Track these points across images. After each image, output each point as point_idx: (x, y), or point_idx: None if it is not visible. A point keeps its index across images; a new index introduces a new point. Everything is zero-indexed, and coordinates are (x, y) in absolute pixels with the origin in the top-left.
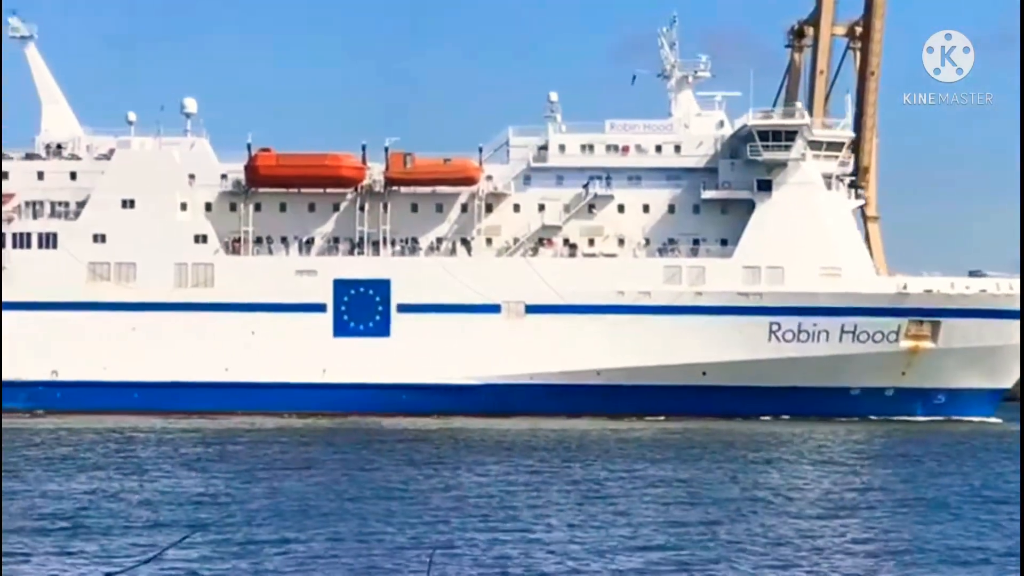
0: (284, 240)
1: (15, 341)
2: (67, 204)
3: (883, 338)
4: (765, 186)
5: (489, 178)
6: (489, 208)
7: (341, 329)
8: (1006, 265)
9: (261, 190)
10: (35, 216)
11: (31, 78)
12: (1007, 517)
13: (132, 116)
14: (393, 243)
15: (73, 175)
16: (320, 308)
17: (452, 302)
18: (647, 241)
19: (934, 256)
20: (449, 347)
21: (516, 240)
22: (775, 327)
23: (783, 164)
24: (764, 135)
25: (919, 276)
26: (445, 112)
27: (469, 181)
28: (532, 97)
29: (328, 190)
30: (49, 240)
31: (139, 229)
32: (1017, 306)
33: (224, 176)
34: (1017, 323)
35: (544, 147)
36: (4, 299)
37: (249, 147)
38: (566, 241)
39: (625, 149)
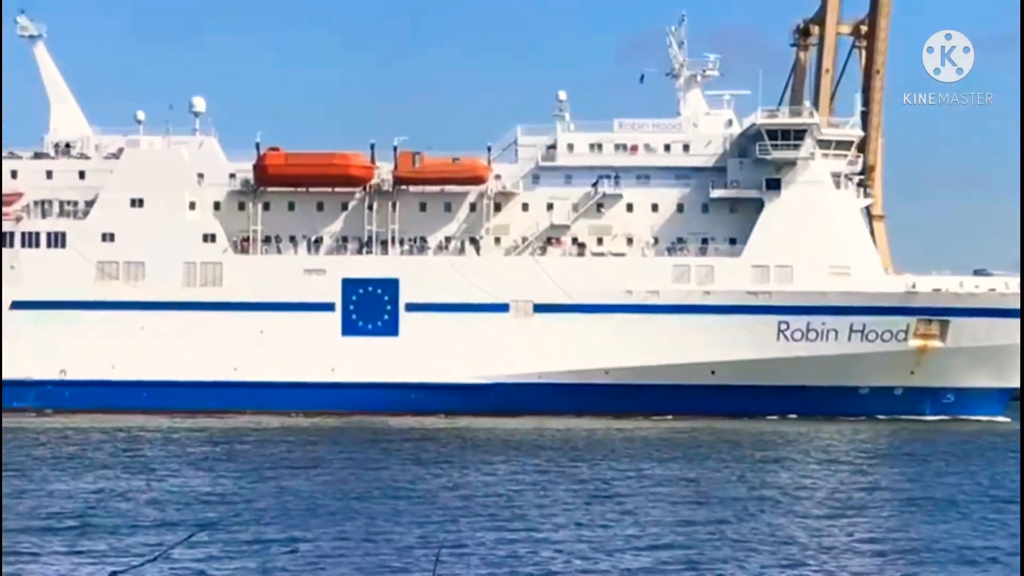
0: (293, 239)
1: (24, 340)
2: (76, 203)
3: (892, 337)
4: (774, 185)
5: (498, 177)
6: (498, 207)
7: (349, 328)
8: (1011, 264)
9: (270, 189)
10: (44, 215)
11: (40, 77)
12: (1014, 516)
13: (141, 115)
14: (402, 242)
15: (82, 174)
16: (329, 307)
17: (460, 301)
18: (656, 240)
19: (937, 255)
20: (457, 346)
21: (524, 239)
22: (784, 326)
23: (792, 163)
24: (773, 134)
25: (928, 275)
26: (454, 111)
27: (478, 180)
28: (540, 96)
29: (337, 189)
30: (58, 239)
31: (148, 228)
32: None
33: (233, 175)
34: None
35: (553, 146)
36: (13, 298)
37: (258, 146)
38: (575, 240)
39: (634, 148)
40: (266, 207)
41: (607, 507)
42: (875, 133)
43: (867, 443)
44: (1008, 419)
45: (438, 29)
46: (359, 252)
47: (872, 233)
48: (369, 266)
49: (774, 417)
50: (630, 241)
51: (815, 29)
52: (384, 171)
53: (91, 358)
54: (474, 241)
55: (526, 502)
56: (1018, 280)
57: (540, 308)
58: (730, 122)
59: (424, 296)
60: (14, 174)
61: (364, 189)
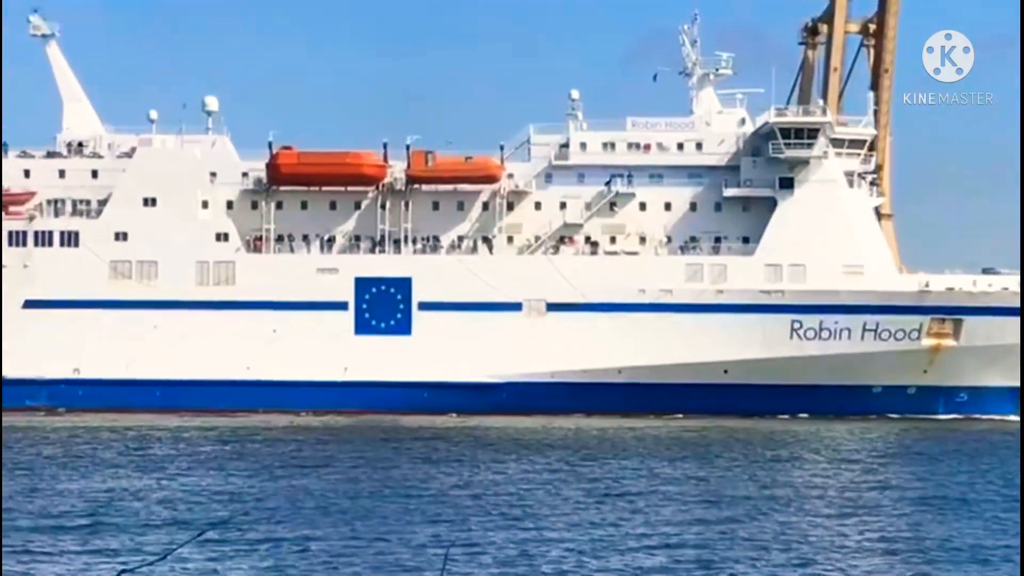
0: (305, 238)
1: (37, 339)
2: (89, 202)
3: (905, 336)
4: (787, 184)
5: (510, 176)
6: (510, 206)
7: (362, 327)
8: (1018, 263)
9: (282, 188)
10: (57, 214)
11: (53, 76)
12: None
13: (154, 114)
14: (414, 241)
15: (95, 173)
16: (341, 306)
17: (473, 300)
18: (668, 239)
19: (942, 254)
20: (470, 345)
21: (537, 238)
22: (797, 325)
23: (805, 162)
24: (786, 133)
25: (941, 274)
26: (466, 110)
27: (490, 179)
28: (553, 95)
29: (349, 188)
30: (71, 238)
31: (161, 227)
32: None
33: (245, 174)
34: None
35: (565, 145)
36: (27, 297)
37: (270, 145)
38: (587, 239)
39: (647, 147)
40: (279, 206)
41: (618, 506)
42: (884, 132)
43: (879, 442)
44: (1020, 418)
45: (450, 28)
46: (372, 251)
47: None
48: (382, 265)
49: (785, 416)
50: (643, 240)
51: (823, 28)
52: (397, 170)
53: (104, 357)
54: (487, 240)
55: (537, 501)
56: None
57: (553, 307)
58: (743, 121)
59: (437, 295)
60: (27, 173)
61: (377, 188)
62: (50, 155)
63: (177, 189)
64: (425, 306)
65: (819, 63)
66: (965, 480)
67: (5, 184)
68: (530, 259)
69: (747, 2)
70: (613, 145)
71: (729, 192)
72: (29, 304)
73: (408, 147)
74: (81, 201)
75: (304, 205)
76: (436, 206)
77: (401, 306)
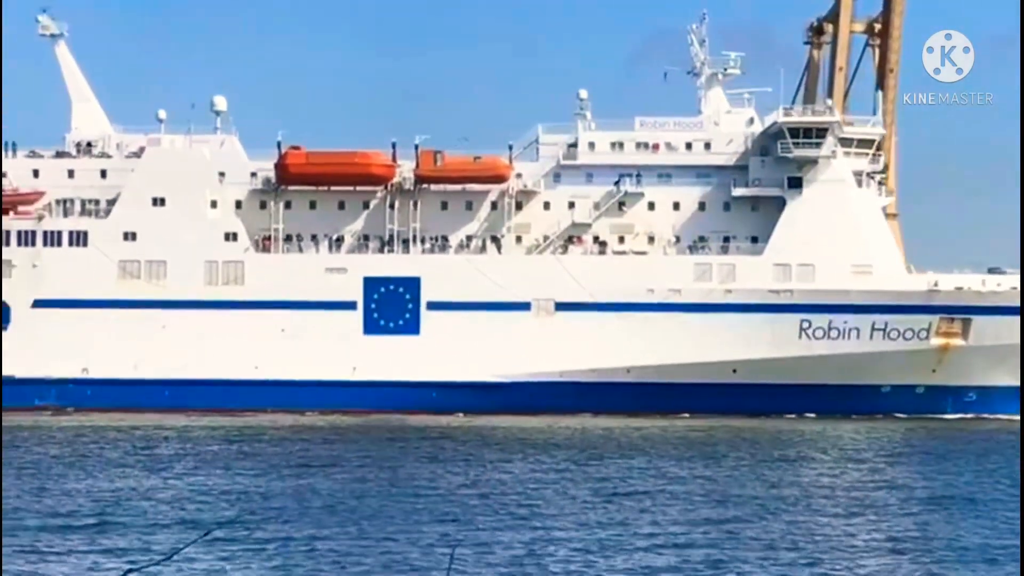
0: (314, 238)
1: (46, 338)
2: (97, 202)
3: (914, 336)
4: (796, 183)
5: (519, 176)
6: (519, 206)
7: (371, 327)
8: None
9: (291, 188)
10: (66, 214)
11: (61, 76)
12: None
13: (162, 114)
14: (423, 241)
15: (103, 173)
16: (350, 306)
17: (482, 300)
18: (677, 239)
19: (947, 254)
20: (479, 345)
21: (546, 238)
22: (806, 324)
23: (814, 161)
24: (795, 132)
25: (949, 273)
26: (471, 110)
27: (499, 179)
28: (560, 95)
29: (358, 188)
30: (80, 238)
31: (169, 227)
32: None
33: (254, 174)
34: None
35: (574, 145)
36: (36, 297)
37: (279, 145)
38: (596, 239)
39: (655, 147)
40: (287, 206)
41: (626, 505)
42: (889, 131)
43: (887, 441)
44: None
45: (456, 28)
46: (380, 251)
47: None
48: (390, 265)
49: (792, 416)
50: (652, 240)
51: (829, 27)
52: (405, 170)
53: (113, 357)
54: (495, 240)
55: (544, 500)
56: None
57: (561, 307)
58: (751, 120)
59: (445, 295)
60: (36, 173)
61: (385, 188)
62: (59, 155)
63: (186, 189)
64: (434, 306)
65: (824, 63)
66: (973, 479)
67: (15, 184)
68: (539, 259)
69: (752, 2)
70: (622, 145)
71: (738, 192)
72: (38, 304)
73: (417, 147)
74: (90, 201)
75: (313, 205)
76: (445, 206)
77: (410, 306)
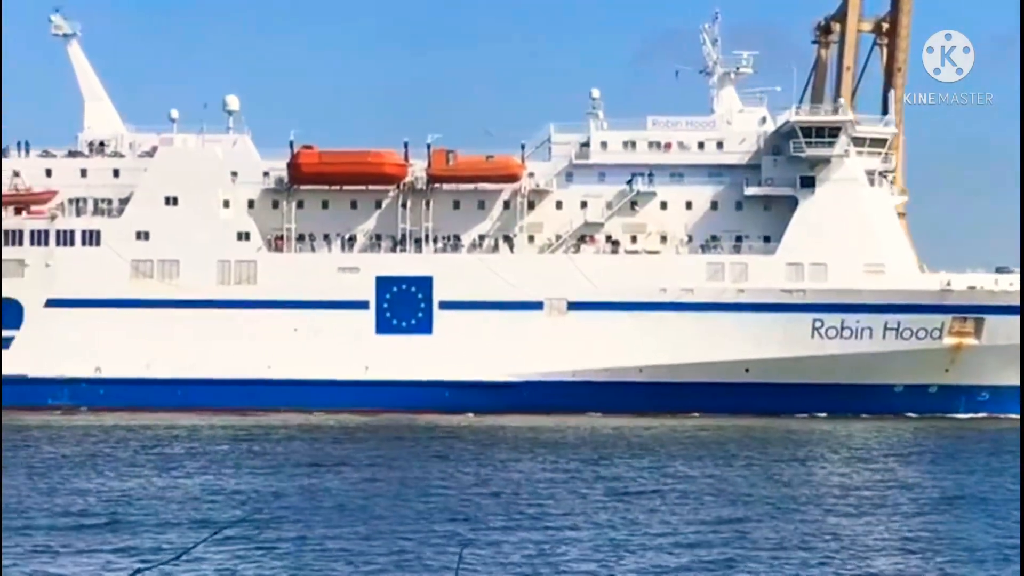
0: (326, 237)
1: (59, 338)
2: (110, 201)
3: (927, 335)
4: (808, 182)
5: (531, 175)
6: (531, 205)
7: (383, 326)
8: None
9: (303, 187)
10: (79, 213)
11: (74, 76)
12: None
13: (175, 113)
14: (435, 240)
15: (116, 172)
16: (362, 305)
17: (494, 299)
18: (690, 238)
19: (947, 253)
20: (491, 344)
21: (558, 237)
22: (818, 324)
23: (826, 160)
24: (807, 131)
25: (962, 273)
26: (477, 110)
27: (511, 178)
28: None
29: (370, 187)
30: (93, 237)
31: (182, 226)
32: None
33: (267, 173)
34: None
35: (586, 144)
36: (48, 296)
37: (291, 144)
38: (608, 238)
39: (667, 146)
40: (300, 205)
41: (637, 505)
42: (897, 130)
43: (898, 441)
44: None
45: (468, 28)
46: (393, 250)
47: None
48: (403, 264)
49: (804, 415)
50: (664, 239)
51: (836, 26)
52: (418, 169)
53: (126, 356)
54: (508, 239)
55: (554, 500)
56: None
57: (574, 306)
58: (764, 119)
59: (458, 294)
60: (49, 172)
61: (398, 187)
62: (72, 154)
63: (198, 188)
64: (446, 305)
65: (832, 62)
66: (984, 478)
67: (28, 183)
68: (551, 258)
69: (761, 1)
70: (634, 144)
71: (750, 191)
72: (51, 303)
73: (429, 146)
74: (103, 200)
75: (325, 204)
76: (457, 205)
77: (422, 305)
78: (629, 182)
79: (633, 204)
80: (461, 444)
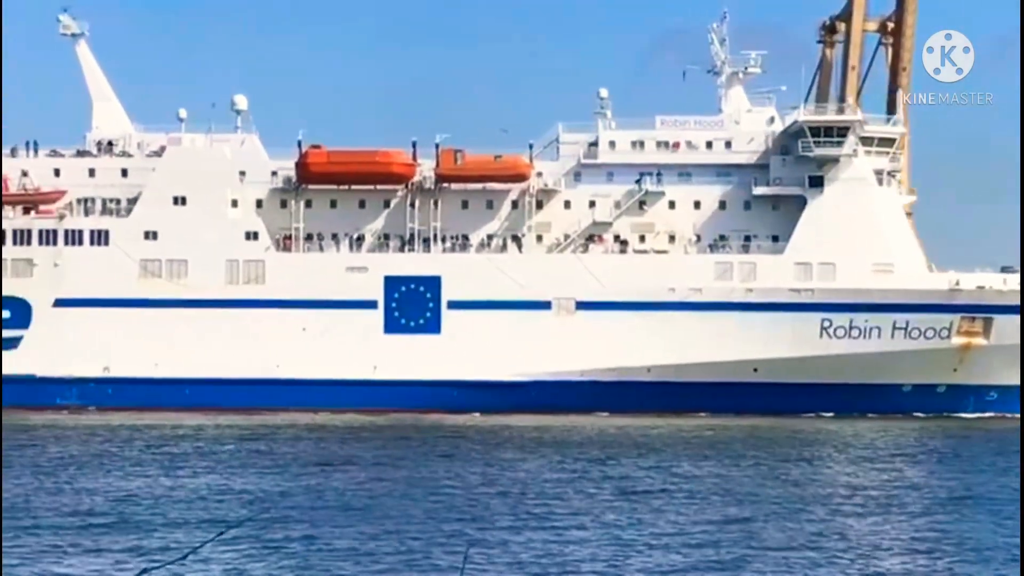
0: (335, 237)
1: (67, 338)
2: (118, 201)
3: (935, 335)
4: (817, 182)
5: (539, 175)
6: (539, 205)
7: (392, 326)
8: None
9: (312, 187)
10: (87, 213)
11: (82, 75)
12: None
13: (183, 113)
14: (443, 240)
15: (124, 172)
16: (371, 305)
17: (502, 299)
18: (698, 237)
19: (953, 252)
20: (499, 344)
21: (567, 237)
22: (827, 323)
23: (835, 160)
24: (816, 131)
25: (971, 272)
26: (491, 109)
27: (520, 178)
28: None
29: (379, 187)
30: (101, 237)
31: (190, 226)
32: None
33: (275, 173)
34: None
35: (594, 143)
36: (57, 296)
37: (300, 144)
38: (617, 238)
39: (676, 145)
40: (308, 205)
41: (644, 504)
42: (905, 130)
43: (905, 441)
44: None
45: (474, 28)
46: (401, 250)
47: None
48: (411, 264)
49: (811, 415)
50: (672, 238)
51: (841, 26)
52: (426, 168)
53: (134, 356)
54: (516, 239)
55: (560, 500)
56: None
57: (582, 306)
58: (772, 119)
59: (466, 294)
60: (57, 172)
61: (406, 187)
62: (80, 154)
63: (207, 188)
64: (454, 305)
65: (837, 61)
66: (992, 478)
67: (36, 183)
68: (559, 258)
69: (764, 1)
70: (642, 144)
71: (759, 190)
72: (59, 303)
73: (437, 146)
74: (111, 200)
75: (333, 204)
76: (465, 205)
77: (430, 305)
78: (637, 182)
79: (641, 204)
80: (468, 444)
